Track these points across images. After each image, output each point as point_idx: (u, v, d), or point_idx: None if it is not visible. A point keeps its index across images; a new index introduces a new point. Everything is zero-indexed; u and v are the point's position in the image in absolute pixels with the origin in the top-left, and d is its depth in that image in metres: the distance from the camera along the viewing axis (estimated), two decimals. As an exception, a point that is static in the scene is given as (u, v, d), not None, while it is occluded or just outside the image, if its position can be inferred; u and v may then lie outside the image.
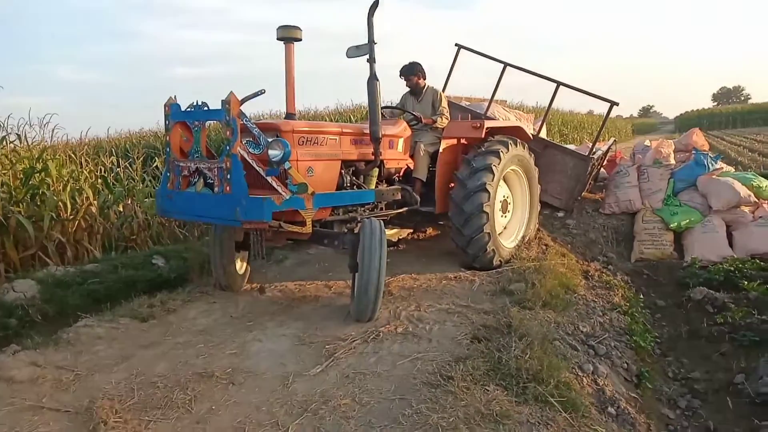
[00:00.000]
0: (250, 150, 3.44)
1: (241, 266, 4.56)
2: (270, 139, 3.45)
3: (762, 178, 6.50)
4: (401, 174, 5.19)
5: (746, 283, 4.75)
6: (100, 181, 7.08)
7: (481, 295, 4.30)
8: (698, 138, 8.26)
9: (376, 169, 4.51)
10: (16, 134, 6.23)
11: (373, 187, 4.51)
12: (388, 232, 6.03)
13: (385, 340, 3.44)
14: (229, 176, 3.32)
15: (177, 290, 4.56)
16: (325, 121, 13.61)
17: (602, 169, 8.39)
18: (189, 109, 3.58)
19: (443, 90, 7.06)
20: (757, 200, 6.15)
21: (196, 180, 3.56)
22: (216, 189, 3.42)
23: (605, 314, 4.27)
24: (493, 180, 4.76)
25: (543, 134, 7.81)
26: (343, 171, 4.25)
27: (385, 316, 3.89)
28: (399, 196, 4.75)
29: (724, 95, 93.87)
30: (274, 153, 3.42)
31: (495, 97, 7.28)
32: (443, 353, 3.20)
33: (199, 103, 3.52)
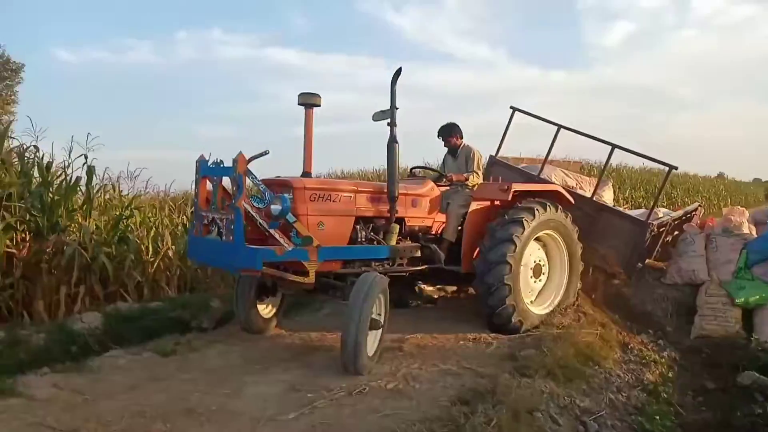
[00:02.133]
0: (254, 204, 3.80)
1: (267, 310, 4.86)
2: (274, 195, 3.79)
3: None
4: (439, 232, 5.30)
5: (804, 371, 4.22)
6: (181, 228, 7.89)
7: (490, 359, 4.22)
8: (800, 207, 7.50)
9: (397, 226, 4.65)
10: (111, 185, 7.18)
11: (393, 243, 4.65)
12: (428, 288, 6.11)
13: (369, 395, 3.51)
14: (232, 227, 3.66)
15: (207, 331, 4.94)
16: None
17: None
18: (212, 166, 4.02)
19: (497, 152, 7.14)
20: (843, 279, 5.45)
21: (213, 228, 3.95)
22: (223, 238, 3.78)
23: (622, 391, 4.00)
24: (515, 251, 4.73)
25: (609, 198, 7.55)
26: (358, 227, 4.46)
27: (384, 371, 3.96)
28: (418, 253, 4.85)
29: None
30: (275, 208, 3.77)
31: (555, 158, 7.21)
32: (415, 413, 3.21)
33: (218, 161, 3.95)
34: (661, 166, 6.64)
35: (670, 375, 4.63)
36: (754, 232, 6.80)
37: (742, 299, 5.58)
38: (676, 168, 6.04)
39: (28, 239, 5.92)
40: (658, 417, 3.71)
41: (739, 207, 6.94)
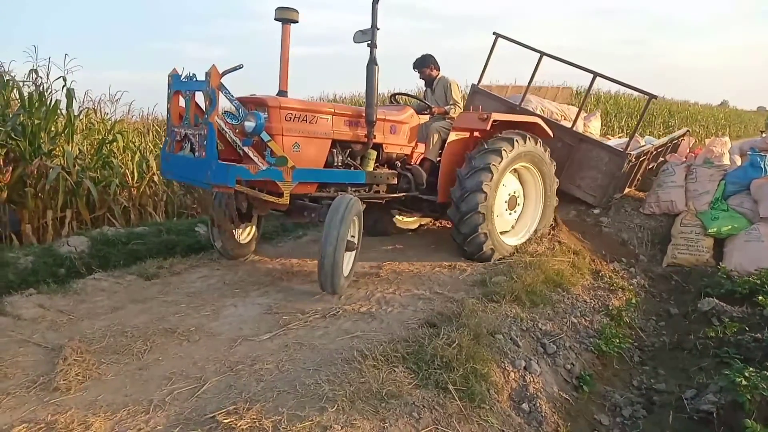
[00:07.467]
0: (227, 120, 3.78)
1: (244, 236, 4.95)
2: (248, 112, 3.76)
3: (829, 187, 5.83)
4: (418, 162, 5.32)
5: (761, 298, 4.40)
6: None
7: (462, 285, 4.38)
8: (787, 138, 7.50)
9: (374, 152, 4.66)
10: (93, 108, 7.08)
11: (370, 169, 4.67)
12: (407, 219, 6.21)
13: (342, 318, 3.67)
14: (205, 143, 3.65)
15: (190, 255, 5.07)
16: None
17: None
18: (184, 80, 3.92)
19: (479, 80, 7.03)
20: (814, 211, 5.56)
21: (186, 145, 3.93)
22: (195, 154, 3.77)
23: (585, 316, 4.19)
24: (491, 180, 4.76)
25: (596, 127, 7.54)
26: (334, 150, 4.46)
27: (360, 295, 4.12)
28: (394, 180, 4.88)
29: None
30: (249, 125, 3.75)
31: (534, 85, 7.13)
32: (383, 334, 3.37)
33: (191, 75, 3.87)
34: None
35: (635, 301, 4.82)
36: (738, 163, 6.84)
37: (715, 229, 5.71)
38: (656, 97, 5.99)
39: (10, 162, 5.93)
40: (617, 339, 3.91)
41: (721, 138, 6.92)
